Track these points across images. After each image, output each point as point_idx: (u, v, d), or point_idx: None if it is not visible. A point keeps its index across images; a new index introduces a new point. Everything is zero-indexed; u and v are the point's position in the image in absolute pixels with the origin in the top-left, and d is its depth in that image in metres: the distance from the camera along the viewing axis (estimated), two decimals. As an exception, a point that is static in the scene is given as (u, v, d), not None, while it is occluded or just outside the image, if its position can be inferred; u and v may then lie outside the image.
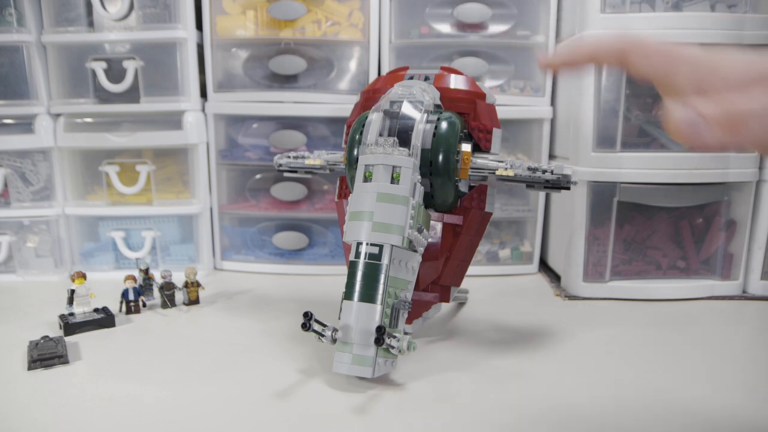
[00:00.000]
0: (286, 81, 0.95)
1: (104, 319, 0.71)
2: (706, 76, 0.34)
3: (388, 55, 0.94)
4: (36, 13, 0.90)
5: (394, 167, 0.56)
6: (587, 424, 0.49)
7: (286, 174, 0.80)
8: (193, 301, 0.81)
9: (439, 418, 0.49)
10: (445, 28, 0.93)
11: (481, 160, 0.63)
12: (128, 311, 0.77)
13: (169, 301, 0.79)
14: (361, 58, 0.95)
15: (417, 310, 0.65)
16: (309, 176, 0.86)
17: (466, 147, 0.63)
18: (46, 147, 0.92)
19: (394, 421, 0.49)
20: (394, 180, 0.56)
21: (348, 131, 0.71)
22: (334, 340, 0.55)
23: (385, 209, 0.55)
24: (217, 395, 0.53)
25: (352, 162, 0.64)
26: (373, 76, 0.94)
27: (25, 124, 0.91)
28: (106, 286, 0.83)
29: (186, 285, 0.80)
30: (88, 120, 0.93)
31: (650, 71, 0.37)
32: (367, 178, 0.57)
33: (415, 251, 0.58)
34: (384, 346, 0.53)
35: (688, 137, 0.32)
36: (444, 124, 0.61)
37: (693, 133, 0.32)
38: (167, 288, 0.79)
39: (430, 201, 0.64)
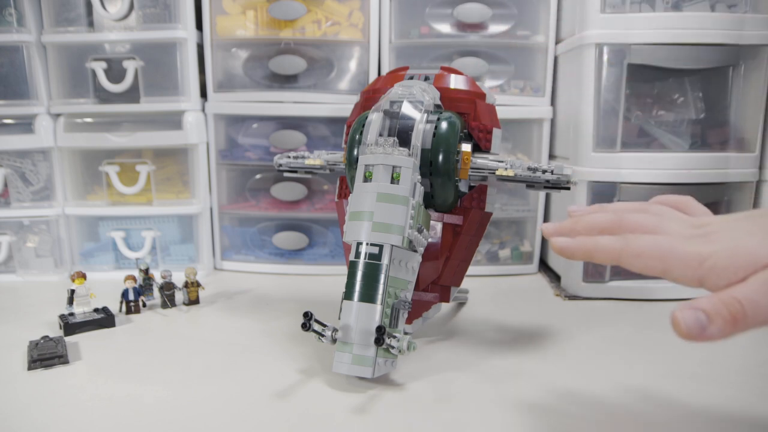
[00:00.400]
0: (286, 81, 0.95)
1: (104, 319, 0.71)
2: (697, 271, 0.35)
3: (388, 55, 0.94)
4: (36, 13, 0.90)
5: (394, 167, 0.56)
6: (587, 424, 0.49)
7: (286, 174, 0.80)
8: (193, 301, 0.81)
9: (439, 418, 0.49)
10: (445, 28, 0.93)
11: (481, 160, 0.63)
12: (128, 311, 0.77)
13: (169, 301, 0.79)
14: (361, 58, 0.95)
15: (417, 310, 0.65)
16: (309, 176, 0.86)
17: (466, 147, 0.63)
18: (46, 147, 0.92)
19: (394, 421, 0.49)
20: (394, 180, 0.56)
21: (348, 131, 0.71)
22: (334, 340, 0.55)
23: (385, 209, 0.55)
24: (217, 395, 0.53)
25: (352, 162, 0.64)
26: (373, 76, 0.94)
27: (25, 124, 0.91)
28: (106, 286, 0.83)
29: (186, 285, 0.80)
30: (88, 120, 0.93)
31: (645, 270, 0.38)
32: (367, 178, 0.57)
33: (415, 251, 0.58)
34: (384, 346, 0.53)
35: (694, 335, 0.33)
36: (444, 124, 0.61)
37: (698, 330, 0.33)
38: (167, 288, 0.79)
39: (430, 201, 0.64)
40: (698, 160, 0.81)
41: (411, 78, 0.68)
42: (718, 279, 0.34)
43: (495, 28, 0.93)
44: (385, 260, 0.55)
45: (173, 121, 0.92)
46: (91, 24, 0.91)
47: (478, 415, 0.50)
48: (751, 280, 0.33)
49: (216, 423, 0.48)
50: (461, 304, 0.82)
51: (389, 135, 0.60)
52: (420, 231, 0.56)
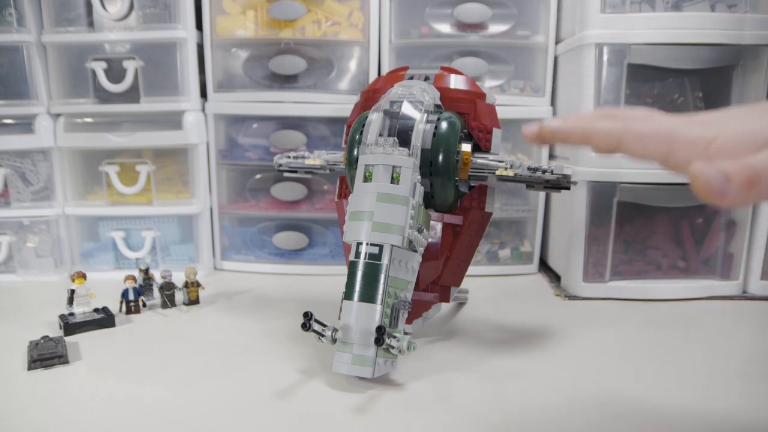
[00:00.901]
0: (286, 81, 0.95)
1: (104, 319, 0.71)
2: (703, 154, 0.34)
3: (388, 55, 0.94)
4: (36, 13, 0.90)
5: (394, 167, 0.56)
6: (587, 424, 0.49)
7: (286, 174, 0.80)
8: (193, 301, 0.81)
9: (439, 418, 0.49)
10: (445, 28, 0.93)
11: (481, 160, 0.63)
12: (128, 311, 0.77)
13: (169, 301, 0.79)
14: (361, 58, 0.95)
15: (417, 310, 0.65)
16: (309, 176, 0.86)
17: (466, 147, 0.63)
18: (46, 147, 0.92)
19: (394, 421, 0.49)
20: (394, 180, 0.56)
21: (348, 131, 0.71)
22: (334, 340, 0.55)
23: (385, 209, 0.55)
24: (217, 395, 0.53)
25: (352, 162, 0.64)
26: (373, 76, 0.94)
27: (25, 124, 0.91)
28: (106, 286, 0.83)
29: (186, 285, 0.80)
30: (88, 120, 0.93)
31: (646, 154, 0.36)
32: (367, 178, 0.57)
33: (415, 251, 0.58)
34: (384, 346, 0.53)
35: (713, 190, 0.32)
36: (444, 124, 0.61)
37: (718, 185, 0.32)
38: (167, 288, 0.79)
39: (430, 201, 0.64)
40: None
41: (411, 78, 0.68)
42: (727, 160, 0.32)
43: (495, 28, 0.93)
44: (385, 260, 0.55)
45: (173, 121, 0.92)
46: (91, 24, 0.91)
47: (478, 415, 0.50)
48: (765, 153, 0.32)
49: (216, 423, 0.48)
50: (461, 304, 0.82)
51: (389, 135, 0.60)
52: (420, 231, 0.56)
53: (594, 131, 0.38)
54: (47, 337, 0.64)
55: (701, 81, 0.85)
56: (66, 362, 0.60)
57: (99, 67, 0.90)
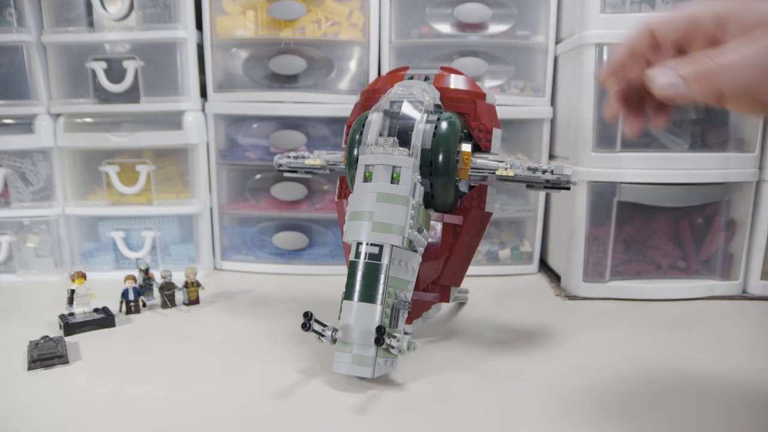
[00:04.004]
0: (286, 81, 0.95)
1: (104, 319, 0.71)
2: (683, 34, 0.38)
3: (388, 55, 0.94)
4: (36, 13, 0.90)
5: (394, 167, 0.56)
6: (587, 424, 0.49)
7: (286, 174, 0.80)
8: (193, 301, 0.81)
9: (439, 418, 0.49)
10: (445, 28, 0.93)
11: (481, 160, 0.63)
12: (128, 311, 0.77)
13: (169, 301, 0.79)
14: (361, 58, 0.95)
15: (417, 310, 0.65)
16: (309, 176, 0.86)
17: (466, 147, 0.63)
18: (46, 147, 0.92)
19: (394, 421, 0.49)
20: (394, 180, 0.56)
21: (348, 131, 0.71)
22: (334, 340, 0.55)
23: (385, 209, 0.55)
24: (217, 395, 0.53)
25: (352, 162, 0.64)
26: (373, 76, 0.94)
27: (25, 124, 0.91)
28: (106, 286, 0.83)
29: (186, 285, 0.80)
30: (88, 120, 0.93)
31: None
32: (367, 178, 0.57)
33: (415, 251, 0.58)
34: (384, 346, 0.53)
35: (672, 96, 0.36)
36: (444, 124, 0.61)
37: (675, 93, 0.36)
38: (167, 288, 0.79)
39: (430, 201, 0.64)
40: (698, 160, 0.81)
41: (411, 78, 0.68)
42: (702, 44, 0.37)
43: (495, 28, 0.93)
44: (385, 260, 0.55)
45: (173, 121, 0.92)
46: (91, 24, 0.91)
47: (478, 415, 0.50)
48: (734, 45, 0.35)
49: (216, 423, 0.48)
50: (461, 304, 0.82)
51: (389, 135, 0.60)
52: (420, 231, 0.56)
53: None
54: (47, 337, 0.64)
55: (701, 81, 0.85)
56: (66, 362, 0.60)
57: (99, 67, 0.90)
